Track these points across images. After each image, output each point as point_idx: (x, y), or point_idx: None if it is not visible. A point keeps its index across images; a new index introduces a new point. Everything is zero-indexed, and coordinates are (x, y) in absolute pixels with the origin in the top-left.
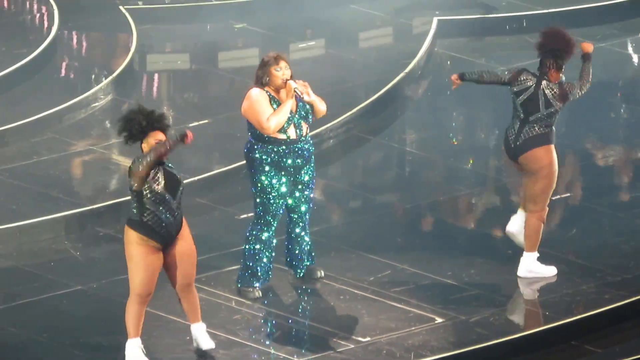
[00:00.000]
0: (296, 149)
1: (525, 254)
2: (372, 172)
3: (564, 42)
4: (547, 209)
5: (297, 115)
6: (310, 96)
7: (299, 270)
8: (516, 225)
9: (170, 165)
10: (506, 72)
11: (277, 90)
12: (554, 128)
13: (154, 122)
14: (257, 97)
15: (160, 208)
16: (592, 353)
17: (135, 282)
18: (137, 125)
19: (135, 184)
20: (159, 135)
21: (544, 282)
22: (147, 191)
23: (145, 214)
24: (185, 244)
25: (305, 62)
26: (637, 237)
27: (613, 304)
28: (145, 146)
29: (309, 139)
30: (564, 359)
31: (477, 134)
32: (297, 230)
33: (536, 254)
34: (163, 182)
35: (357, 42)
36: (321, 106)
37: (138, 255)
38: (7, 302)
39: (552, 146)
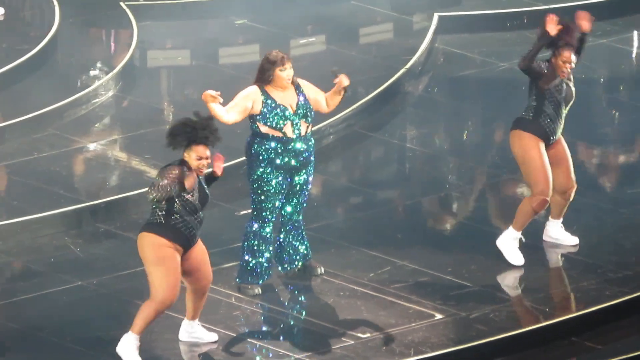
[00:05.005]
0: (293, 148)
1: (510, 227)
2: (373, 168)
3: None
4: (545, 201)
5: (295, 115)
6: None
7: (288, 267)
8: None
9: (201, 178)
10: None
11: (277, 89)
12: (539, 119)
13: (205, 134)
14: (245, 91)
15: (189, 215)
16: (592, 349)
17: (160, 288)
18: (186, 133)
19: (151, 197)
20: (200, 150)
21: (544, 279)
22: (179, 199)
23: (172, 218)
24: (199, 247)
25: (305, 58)
26: (638, 233)
27: (614, 300)
28: (186, 156)
29: (310, 138)
30: (565, 355)
31: (478, 129)
32: (290, 228)
33: (517, 234)
34: (198, 194)
35: (358, 38)
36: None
37: (163, 258)
38: (7, 297)
39: (525, 133)
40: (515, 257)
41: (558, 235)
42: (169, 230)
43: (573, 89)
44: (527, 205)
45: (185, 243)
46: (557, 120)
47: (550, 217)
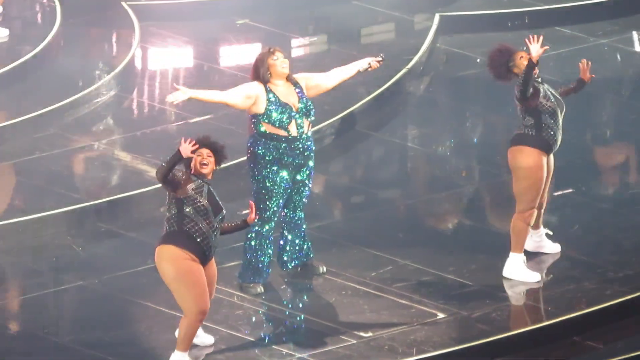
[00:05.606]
0: (297, 146)
1: (510, 254)
2: (374, 167)
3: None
4: (535, 212)
5: (298, 112)
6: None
7: (289, 265)
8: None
9: (211, 189)
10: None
11: (278, 85)
12: (542, 133)
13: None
14: (248, 83)
15: (201, 219)
16: (594, 349)
17: (189, 303)
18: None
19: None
20: (203, 150)
21: (545, 278)
22: (189, 201)
23: (185, 222)
24: (213, 268)
25: (307, 58)
26: (638, 233)
27: (614, 300)
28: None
29: (310, 136)
30: (566, 354)
31: (479, 129)
32: (291, 226)
33: (521, 256)
34: (206, 198)
35: (359, 38)
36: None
37: (184, 271)
38: (9, 297)
39: (531, 149)
40: (530, 276)
41: (540, 243)
42: (184, 238)
43: (557, 95)
44: (520, 223)
45: (201, 255)
46: (557, 129)
47: (531, 230)
